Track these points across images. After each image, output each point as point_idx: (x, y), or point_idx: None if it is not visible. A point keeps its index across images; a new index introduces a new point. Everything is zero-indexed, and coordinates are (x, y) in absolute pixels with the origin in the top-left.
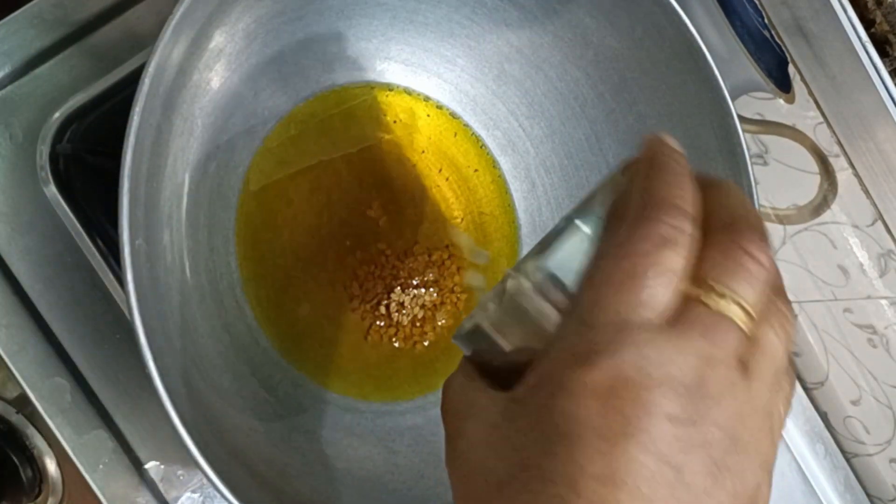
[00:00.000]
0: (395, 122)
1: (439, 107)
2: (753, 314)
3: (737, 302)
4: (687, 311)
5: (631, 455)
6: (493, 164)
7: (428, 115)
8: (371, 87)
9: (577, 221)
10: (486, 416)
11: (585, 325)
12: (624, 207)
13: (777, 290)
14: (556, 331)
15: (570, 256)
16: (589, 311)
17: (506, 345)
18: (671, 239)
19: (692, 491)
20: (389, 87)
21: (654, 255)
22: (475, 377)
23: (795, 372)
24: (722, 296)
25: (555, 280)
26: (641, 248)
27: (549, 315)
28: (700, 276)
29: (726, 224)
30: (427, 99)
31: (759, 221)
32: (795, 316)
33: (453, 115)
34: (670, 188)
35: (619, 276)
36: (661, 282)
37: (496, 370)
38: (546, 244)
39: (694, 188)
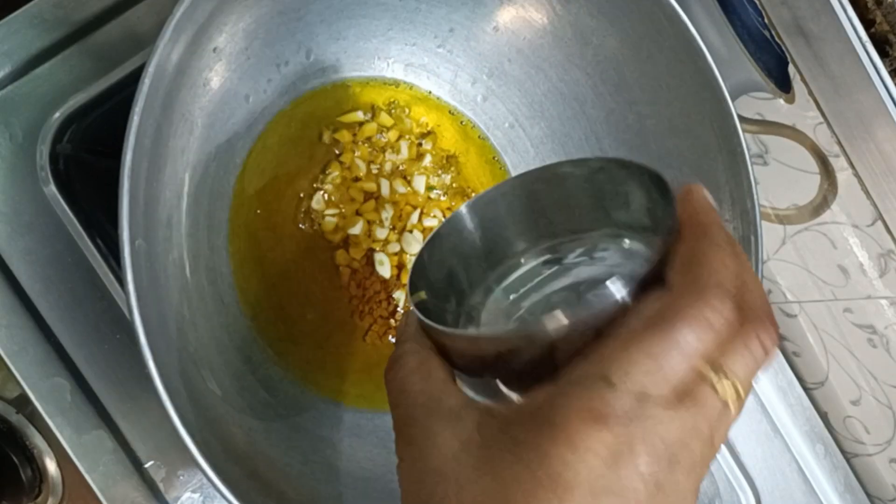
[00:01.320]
0: (395, 120)
1: (440, 104)
2: (743, 396)
3: (734, 385)
4: (696, 390)
5: None
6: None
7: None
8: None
9: (611, 286)
10: (458, 427)
11: (609, 384)
12: (671, 273)
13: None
14: (573, 371)
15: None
16: (616, 372)
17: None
18: (715, 326)
19: None
20: (393, 86)
21: (695, 341)
22: (435, 361)
23: (795, 372)
24: (728, 379)
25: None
26: (685, 328)
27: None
28: (717, 361)
29: (752, 311)
30: (429, 95)
31: (769, 305)
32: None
33: (452, 113)
34: (719, 267)
35: (655, 350)
36: (689, 363)
37: (450, 349)
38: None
39: (733, 264)
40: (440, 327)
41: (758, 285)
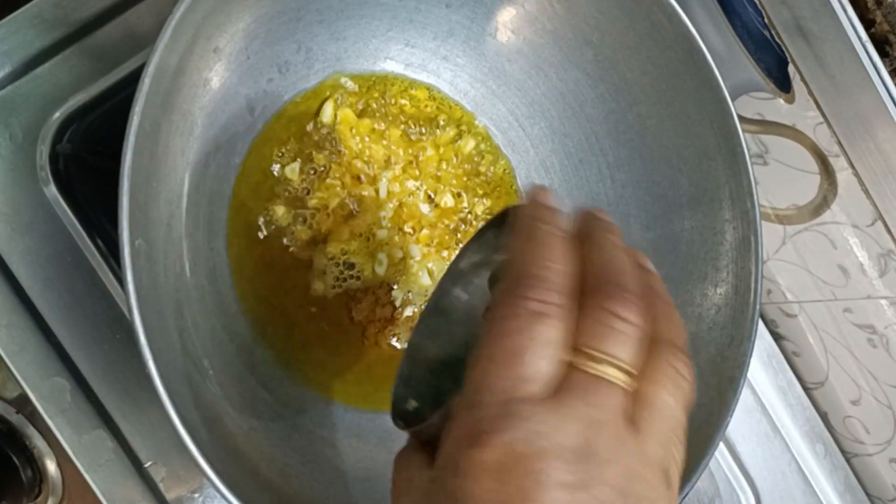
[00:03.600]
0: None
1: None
2: (633, 371)
3: (612, 363)
4: (568, 379)
5: None
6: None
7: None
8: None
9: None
10: (416, 496)
11: (473, 405)
12: (500, 282)
13: (668, 345)
14: (453, 411)
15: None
16: (475, 391)
17: (429, 416)
18: (541, 312)
19: None
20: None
21: (527, 330)
22: (414, 452)
23: (795, 372)
24: (598, 360)
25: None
26: (515, 325)
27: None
28: (577, 344)
29: (593, 287)
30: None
31: (625, 276)
32: (691, 369)
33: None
34: (537, 260)
35: (499, 355)
36: (539, 354)
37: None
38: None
39: (565, 252)
40: (394, 419)
41: (608, 263)
